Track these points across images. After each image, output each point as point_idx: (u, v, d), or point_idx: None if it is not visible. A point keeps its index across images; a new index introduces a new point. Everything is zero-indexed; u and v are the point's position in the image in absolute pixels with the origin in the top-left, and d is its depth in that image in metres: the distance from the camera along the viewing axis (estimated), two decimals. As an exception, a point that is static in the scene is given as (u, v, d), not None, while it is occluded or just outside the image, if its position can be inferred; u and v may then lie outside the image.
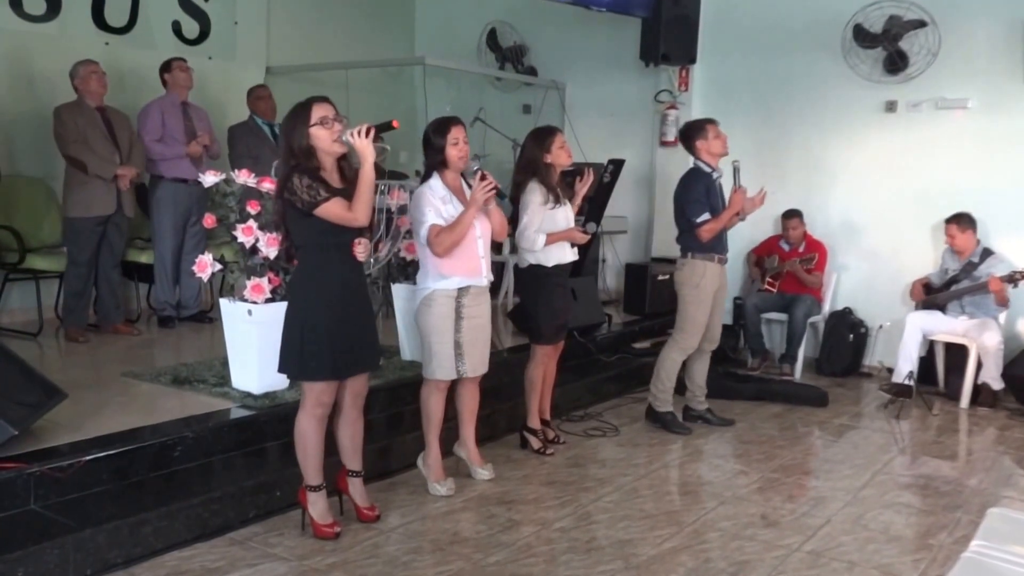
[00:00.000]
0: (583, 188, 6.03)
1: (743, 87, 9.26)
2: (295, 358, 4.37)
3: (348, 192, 4.28)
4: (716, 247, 6.46)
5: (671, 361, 6.64)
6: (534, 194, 5.70)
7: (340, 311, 4.36)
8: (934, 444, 6.71)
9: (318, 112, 4.23)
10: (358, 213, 4.23)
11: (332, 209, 4.19)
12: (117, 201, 7.10)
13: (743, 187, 6.39)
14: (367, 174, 4.22)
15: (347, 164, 4.40)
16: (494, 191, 5.00)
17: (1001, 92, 8.05)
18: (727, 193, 6.49)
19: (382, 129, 4.36)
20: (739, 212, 6.43)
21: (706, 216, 6.32)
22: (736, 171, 6.41)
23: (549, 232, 5.73)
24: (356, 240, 4.38)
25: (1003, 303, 7.56)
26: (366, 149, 4.22)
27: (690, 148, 6.50)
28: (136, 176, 7.24)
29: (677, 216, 6.54)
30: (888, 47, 8.38)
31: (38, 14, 7.80)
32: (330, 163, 4.31)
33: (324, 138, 4.23)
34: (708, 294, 6.48)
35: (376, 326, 4.70)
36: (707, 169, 6.43)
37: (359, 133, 4.23)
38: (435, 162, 5.10)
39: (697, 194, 6.36)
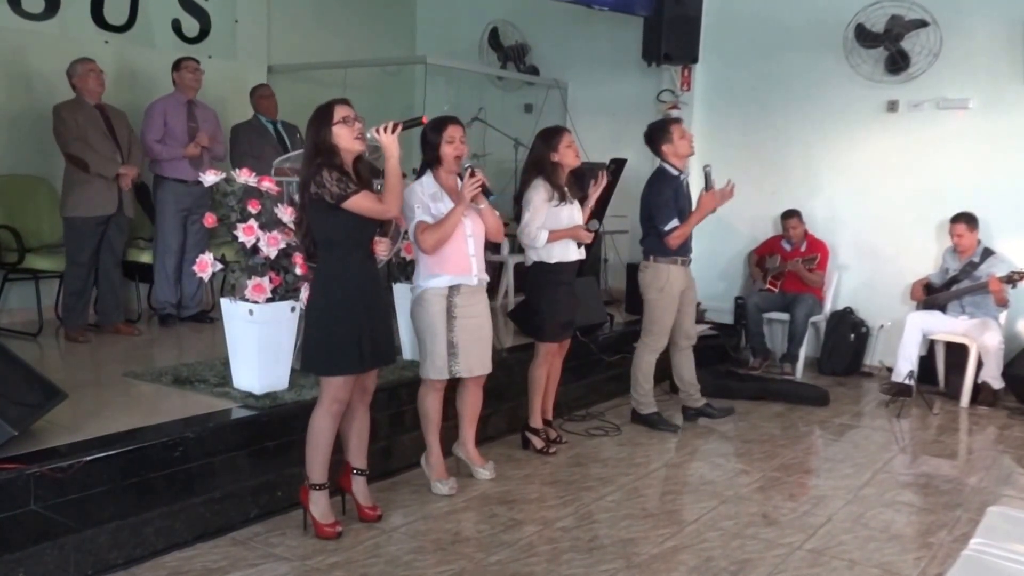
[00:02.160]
0: (596, 191, 6.06)
1: (745, 86, 9.26)
2: (323, 354, 4.42)
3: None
4: (679, 250, 6.50)
5: (645, 363, 6.70)
6: (538, 191, 5.73)
7: (364, 306, 4.42)
8: (934, 443, 6.71)
9: (340, 112, 4.35)
10: (390, 204, 4.36)
11: (362, 202, 4.28)
12: (118, 201, 7.07)
13: (713, 189, 6.39)
14: (394, 168, 4.35)
15: (362, 166, 4.49)
16: (480, 188, 4.99)
17: (1002, 92, 8.05)
18: (694, 194, 6.50)
19: (410, 125, 4.53)
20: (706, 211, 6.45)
21: (675, 223, 6.36)
22: (707, 176, 6.41)
23: (552, 229, 5.74)
24: (377, 239, 4.51)
25: (1002, 304, 7.55)
26: (392, 145, 4.35)
27: (656, 151, 6.54)
28: (137, 176, 7.22)
29: (643, 219, 6.58)
30: (890, 47, 8.38)
31: (37, 12, 7.79)
32: (349, 163, 4.39)
33: (346, 136, 4.34)
34: (674, 297, 6.54)
35: (391, 321, 4.73)
36: (674, 172, 6.46)
37: (385, 129, 4.34)
38: (429, 159, 5.12)
39: (665, 199, 6.40)
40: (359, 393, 4.60)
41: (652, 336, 6.65)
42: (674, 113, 9.35)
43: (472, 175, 4.97)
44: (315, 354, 4.46)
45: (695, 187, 6.54)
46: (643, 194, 6.60)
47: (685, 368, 6.91)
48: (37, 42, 7.72)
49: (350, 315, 4.38)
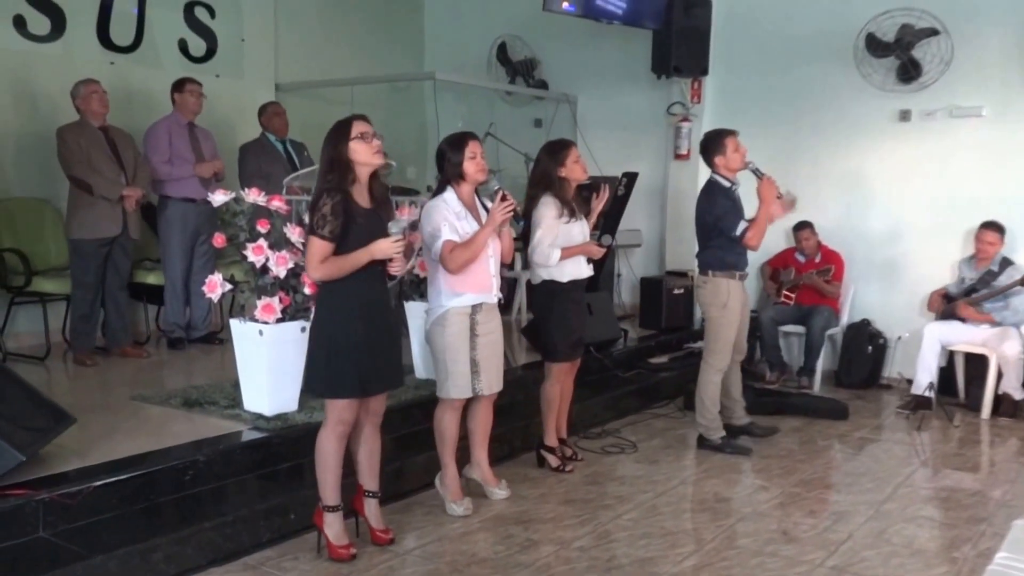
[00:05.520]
0: (599, 204, 5.98)
1: (756, 98, 9.20)
2: (321, 375, 4.38)
3: (375, 213, 4.36)
4: (738, 263, 6.35)
5: (712, 385, 6.50)
6: (548, 208, 5.63)
7: (365, 328, 4.36)
8: (956, 456, 6.63)
9: (358, 128, 4.33)
10: (319, 271, 4.28)
11: (314, 247, 4.25)
12: (122, 222, 7.04)
13: (767, 176, 6.25)
14: (358, 256, 4.27)
15: (377, 183, 4.45)
16: (512, 213, 4.96)
17: (1015, 99, 8.00)
18: (746, 203, 6.39)
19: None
20: (773, 216, 6.31)
21: (743, 225, 6.21)
22: (755, 171, 6.28)
23: (565, 247, 5.67)
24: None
25: None
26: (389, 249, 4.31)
27: (708, 161, 6.41)
28: (142, 197, 7.19)
29: (702, 232, 6.41)
30: (901, 56, 8.33)
31: (42, 34, 7.77)
32: (365, 178, 4.37)
33: (363, 151, 4.31)
34: (736, 313, 6.39)
35: (400, 344, 4.68)
36: (725, 184, 6.33)
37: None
38: (451, 176, 5.05)
39: (724, 208, 6.24)
40: (368, 415, 4.54)
41: (716, 355, 6.45)
42: (684, 126, 9.32)
43: (503, 198, 4.94)
44: (316, 376, 4.42)
45: (745, 199, 6.41)
46: (698, 207, 6.44)
47: (732, 384, 6.76)
48: (43, 63, 7.71)
49: (352, 338, 4.33)
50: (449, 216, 4.94)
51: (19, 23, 7.63)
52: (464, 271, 4.93)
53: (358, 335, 4.33)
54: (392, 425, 5.43)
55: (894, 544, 4.90)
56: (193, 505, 4.57)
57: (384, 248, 4.27)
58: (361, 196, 4.35)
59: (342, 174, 4.28)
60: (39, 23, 7.75)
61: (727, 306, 6.33)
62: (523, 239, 5.82)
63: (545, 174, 5.75)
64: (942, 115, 8.33)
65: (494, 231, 4.99)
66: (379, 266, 4.39)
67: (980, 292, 7.69)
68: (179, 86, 7.60)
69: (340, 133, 4.33)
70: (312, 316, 4.52)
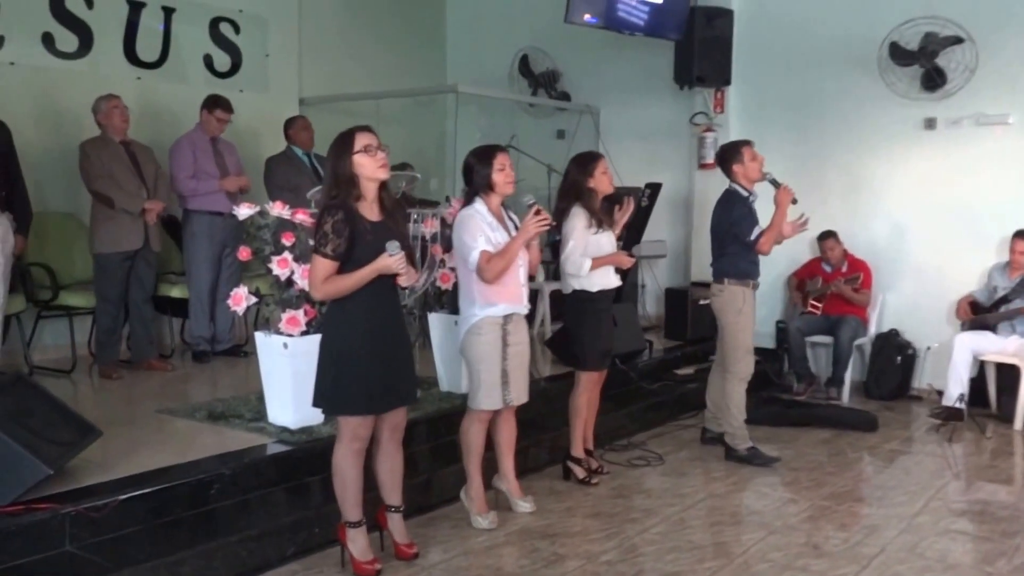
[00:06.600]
0: (623, 216, 5.97)
1: (779, 107, 9.16)
2: (328, 393, 4.32)
3: (384, 225, 4.26)
4: (752, 272, 6.36)
5: (737, 394, 6.46)
6: (578, 219, 5.65)
7: (374, 344, 4.28)
8: (989, 468, 6.55)
9: (361, 140, 4.21)
10: (322, 291, 4.21)
11: (317, 266, 4.17)
12: (144, 235, 7.08)
13: (785, 184, 6.24)
14: (361, 274, 4.17)
15: (387, 195, 4.37)
16: (547, 227, 4.96)
17: (1042, 106, 7.94)
18: (762, 216, 6.35)
19: None
20: (784, 231, 6.29)
21: (758, 230, 6.20)
22: (772, 182, 6.29)
23: (594, 257, 5.66)
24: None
25: None
26: (397, 265, 4.20)
27: (727, 172, 6.41)
28: (163, 210, 7.22)
29: (718, 240, 6.42)
30: (925, 64, 8.27)
31: (70, 51, 7.83)
32: (372, 192, 4.27)
33: (368, 165, 4.21)
34: (751, 319, 6.38)
35: (413, 359, 4.62)
36: (744, 193, 6.33)
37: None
38: (479, 188, 5.05)
39: (741, 214, 6.25)
40: (388, 430, 4.48)
41: (737, 363, 6.42)
42: (708, 136, 9.28)
43: (537, 212, 4.92)
44: (323, 393, 4.35)
45: (761, 212, 6.37)
46: (714, 216, 6.45)
47: (719, 392, 6.74)
48: (70, 80, 7.76)
49: (359, 353, 4.25)
50: (483, 227, 4.96)
51: (47, 40, 7.69)
52: (498, 281, 4.93)
53: (365, 351, 4.26)
54: (419, 437, 5.44)
55: (927, 558, 4.83)
56: (219, 519, 4.56)
57: (387, 264, 4.17)
58: (369, 210, 4.26)
59: (346, 190, 4.20)
60: (67, 40, 7.81)
61: (742, 311, 6.33)
62: (552, 250, 5.82)
63: (575, 185, 5.77)
64: (968, 123, 8.26)
65: (526, 242, 4.99)
66: (388, 280, 4.29)
67: (1014, 302, 7.61)
68: (210, 106, 7.59)
69: (343, 146, 4.22)
70: (322, 332, 4.49)
